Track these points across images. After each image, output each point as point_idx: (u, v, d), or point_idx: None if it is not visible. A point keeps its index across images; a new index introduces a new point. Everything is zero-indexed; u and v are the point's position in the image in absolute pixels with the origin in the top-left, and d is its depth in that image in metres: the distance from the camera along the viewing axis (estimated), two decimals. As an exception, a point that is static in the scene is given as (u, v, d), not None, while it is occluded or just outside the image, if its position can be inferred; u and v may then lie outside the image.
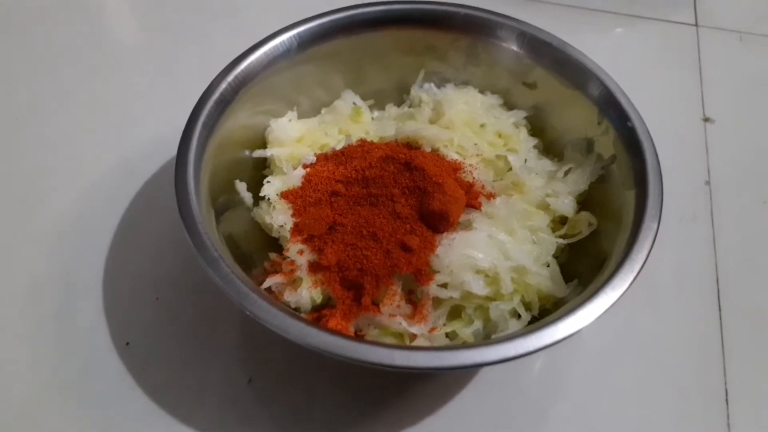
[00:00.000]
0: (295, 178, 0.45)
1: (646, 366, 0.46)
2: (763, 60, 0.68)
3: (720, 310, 0.49)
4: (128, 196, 0.53)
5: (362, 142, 0.47)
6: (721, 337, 0.48)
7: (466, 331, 0.41)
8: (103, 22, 0.70)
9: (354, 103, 0.51)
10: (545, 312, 0.42)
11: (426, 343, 0.40)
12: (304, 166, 0.46)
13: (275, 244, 0.45)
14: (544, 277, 0.42)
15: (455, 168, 0.45)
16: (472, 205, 0.43)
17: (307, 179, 0.44)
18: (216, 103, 0.43)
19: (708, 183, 0.57)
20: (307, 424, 0.43)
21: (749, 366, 0.47)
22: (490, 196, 0.45)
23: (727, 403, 0.45)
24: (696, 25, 0.71)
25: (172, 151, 0.54)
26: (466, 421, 0.43)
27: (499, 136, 0.49)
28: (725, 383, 0.46)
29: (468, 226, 0.43)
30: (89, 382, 0.44)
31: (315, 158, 0.46)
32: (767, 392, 0.45)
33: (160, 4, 0.71)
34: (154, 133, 0.57)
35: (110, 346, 0.45)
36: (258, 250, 0.44)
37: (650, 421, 0.44)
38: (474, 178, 0.45)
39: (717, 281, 0.50)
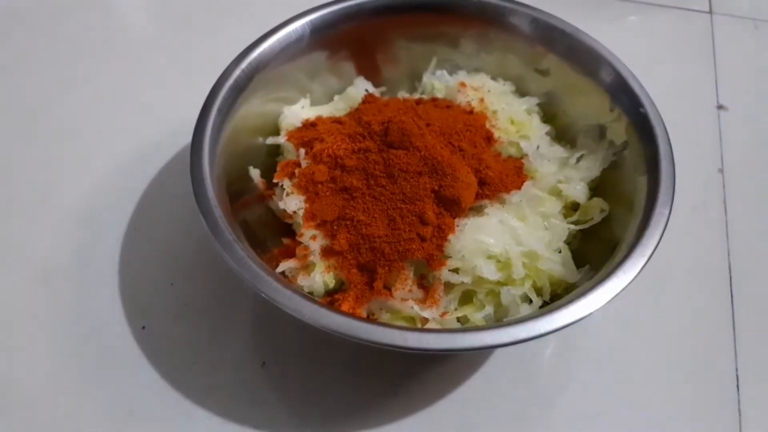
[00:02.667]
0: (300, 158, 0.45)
1: (657, 353, 0.46)
2: (779, 48, 0.68)
3: (732, 297, 0.49)
4: (142, 185, 0.54)
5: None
6: (733, 324, 0.48)
7: (477, 315, 0.41)
8: (115, 12, 0.70)
9: (366, 90, 0.51)
10: (556, 297, 0.42)
11: (437, 328, 0.40)
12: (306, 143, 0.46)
13: (289, 230, 0.45)
14: (555, 263, 0.42)
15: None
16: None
17: (314, 158, 0.45)
18: (230, 90, 0.44)
19: (721, 171, 0.57)
20: (319, 407, 0.43)
21: (761, 353, 0.47)
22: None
23: (738, 390, 0.45)
24: (710, 12, 0.71)
25: (185, 140, 0.55)
26: (477, 406, 0.44)
27: (512, 122, 0.49)
28: (736, 370, 0.46)
29: (480, 211, 0.43)
30: (107, 365, 0.45)
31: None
32: (779, 379, 0.46)
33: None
34: (166, 122, 0.58)
35: (127, 330, 0.46)
36: (272, 236, 0.45)
37: (660, 408, 0.44)
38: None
39: (729, 269, 0.50)
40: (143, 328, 0.46)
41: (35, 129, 0.58)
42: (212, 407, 0.43)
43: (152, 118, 0.58)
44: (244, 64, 0.45)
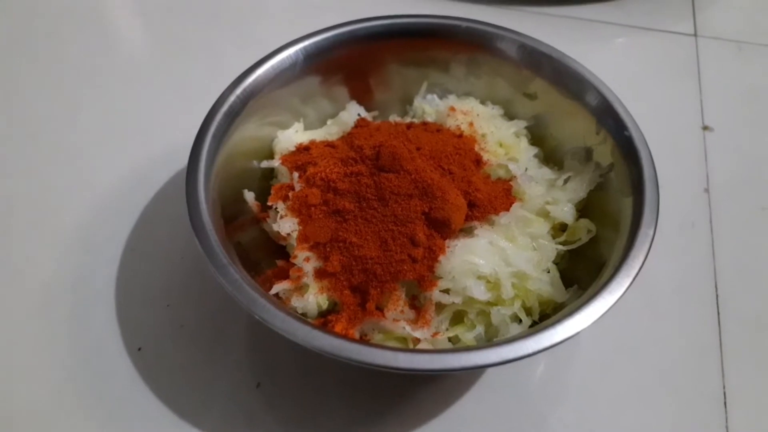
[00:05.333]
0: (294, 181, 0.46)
1: (646, 371, 0.47)
2: (762, 69, 0.69)
3: (719, 315, 0.50)
4: (139, 207, 0.55)
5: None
6: (720, 342, 0.48)
7: (468, 335, 0.42)
8: (112, 36, 0.72)
9: (359, 115, 0.52)
10: (545, 317, 0.43)
11: (429, 347, 0.41)
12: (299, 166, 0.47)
13: (282, 252, 0.46)
14: (544, 283, 0.43)
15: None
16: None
17: (307, 182, 0.45)
18: (225, 115, 0.45)
19: (707, 190, 0.58)
20: (314, 427, 0.44)
21: (748, 371, 0.47)
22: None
23: (725, 407, 0.45)
24: (695, 35, 0.73)
25: (181, 162, 0.56)
26: (468, 425, 0.44)
27: (501, 145, 0.50)
28: (724, 387, 0.46)
29: (469, 232, 0.44)
30: (103, 386, 0.45)
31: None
32: (766, 397, 0.46)
33: (169, 19, 0.73)
34: (163, 145, 0.59)
35: (123, 351, 0.46)
36: (266, 258, 0.46)
37: (649, 426, 0.45)
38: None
39: (716, 287, 0.51)
40: (139, 349, 0.47)
41: (32, 151, 0.59)
42: (208, 427, 0.43)
43: (148, 142, 0.59)
44: (238, 90, 0.46)
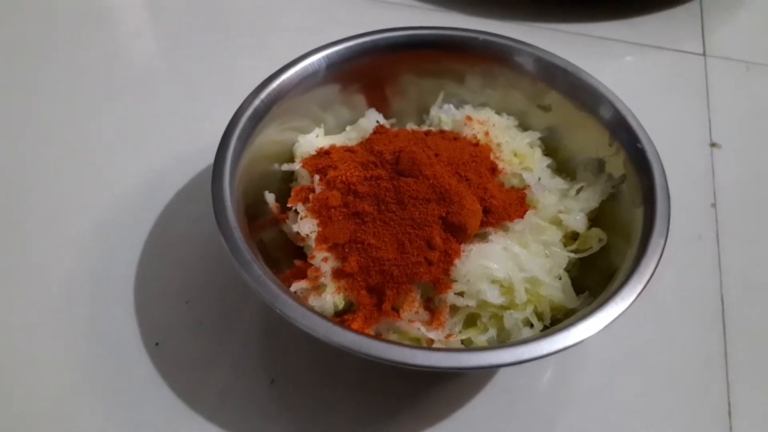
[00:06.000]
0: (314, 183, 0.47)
1: (651, 381, 0.48)
2: (769, 89, 0.71)
3: (724, 327, 0.51)
4: (157, 207, 0.56)
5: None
6: (725, 353, 0.49)
7: (481, 338, 0.43)
8: (129, 43, 0.73)
9: (377, 122, 0.53)
10: (556, 322, 0.44)
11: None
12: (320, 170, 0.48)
13: (300, 252, 0.47)
14: (556, 289, 0.44)
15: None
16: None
17: (328, 184, 0.46)
18: (249, 119, 0.46)
19: (714, 205, 0.59)
20: (326, 424, 0.45)
21: (752, 383, 0.48)
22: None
23: (729, 417, 0.46)
24: (704, 54, 0.74)
25: (198, 165, 0.58)
26: (478, 427, 0.45)
27: (515, 155, 0.51)
28: (728, 398, 0.47)
29: (484, 238, 0.45)
30: (121, 380, 0.46)
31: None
32: (770, 407, 0.47)
33: (186, 27, 0.74)
34: (180, 149, 0.60)
35: (141, 346, 0.47)
36: (284, 258, 0.47)
37: (654, 433, 0.46)
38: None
39: (722, 300, 0.52)
40: (156, 344, 0.48)
41: (52, 152, 0.60)
42: (222, 422, 0.44)
43: (165, 146, 0.61)
44: (263, 95, 0.47)
